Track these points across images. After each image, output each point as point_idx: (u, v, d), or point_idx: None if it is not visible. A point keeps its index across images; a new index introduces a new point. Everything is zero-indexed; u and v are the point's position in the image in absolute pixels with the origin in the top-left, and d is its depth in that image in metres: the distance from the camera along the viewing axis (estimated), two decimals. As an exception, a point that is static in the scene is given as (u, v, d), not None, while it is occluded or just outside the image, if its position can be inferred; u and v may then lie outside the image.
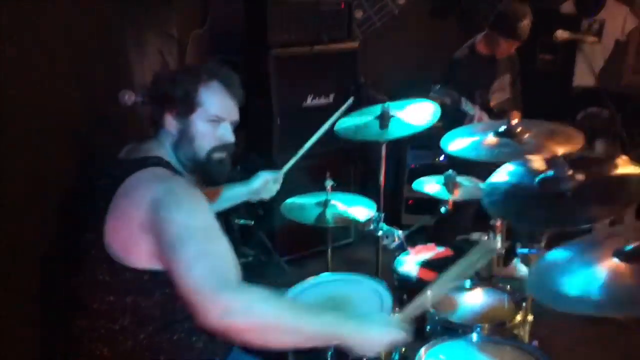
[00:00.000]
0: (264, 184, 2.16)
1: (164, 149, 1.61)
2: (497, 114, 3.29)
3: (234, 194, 2.12)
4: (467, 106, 2.98)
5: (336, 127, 2.66)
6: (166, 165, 1.57)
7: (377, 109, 2.54)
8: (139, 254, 1.43)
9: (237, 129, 1.73)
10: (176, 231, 1.39)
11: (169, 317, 1.48)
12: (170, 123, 1.60)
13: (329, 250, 2.50)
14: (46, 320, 1.68)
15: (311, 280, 2.06)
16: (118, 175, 1.49)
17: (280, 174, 2.22)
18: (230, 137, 1.68)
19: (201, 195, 1.50)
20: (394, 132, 2.46)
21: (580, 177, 1.72)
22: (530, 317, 1.97)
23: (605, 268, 1.19)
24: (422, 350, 1.68)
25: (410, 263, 2.43)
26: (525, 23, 3.03)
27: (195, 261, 1.36)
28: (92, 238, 1.47)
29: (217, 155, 1.64)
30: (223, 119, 1.64)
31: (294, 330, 1.37)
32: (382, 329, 1.46)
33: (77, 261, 1.52)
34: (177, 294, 1.36)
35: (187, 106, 1.59)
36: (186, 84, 1.59)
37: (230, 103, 1.66)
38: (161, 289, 1.45)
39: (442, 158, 3.73)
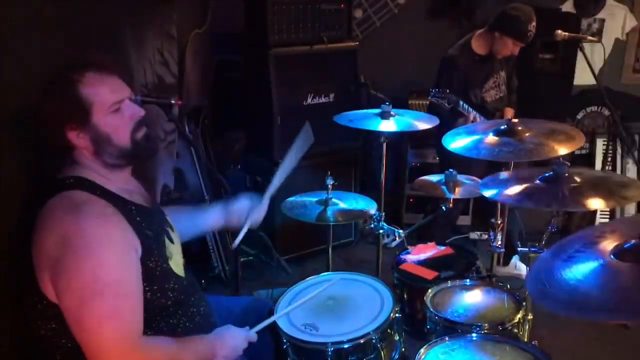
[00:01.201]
0: (243, 208, 1.95)
1: (81, 167, 1.50)
2: (492, 112, 3.30)
3: (205, 219, 1.96)
4: (463, 107, 2.99)
5: (337, 119, 2.67)
6: (86, 185, 1.46)
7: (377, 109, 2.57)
8: (48, 287, 1.38)
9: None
10: (86, 282, 1.33)
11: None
12: (77, 138, 1.47)
13: (330, 249, 2.50)
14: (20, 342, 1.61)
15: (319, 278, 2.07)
16: (38, 199, 1.43)
17: (264, 200, 1.98)
18: (139, 111, 1.55)
19: (116, 233, 1.41)
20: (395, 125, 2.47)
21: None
22: (530, 317, 1.97)
23: (604, 268, 1.18)
24: (422, 349, 1.69)
25: (410, 262, 2.43)
26: (534, 25, 3.06)
27: (106, 320, 1.34)
28: (22, 267, 1.42)
29: (140, 134, 1.54)
30: (120, 100, 1.51)
31: None
32: (228, 336, 1.61)
33: (19, 289, 1.47)
34: None
35: (79, 114, 1.45)
36: (62, 93, 1.45)
37: (114, 81, 1.52)
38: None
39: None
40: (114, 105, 1.49)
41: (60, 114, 1.45)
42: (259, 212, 1.94)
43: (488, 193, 1.87)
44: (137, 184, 1.67)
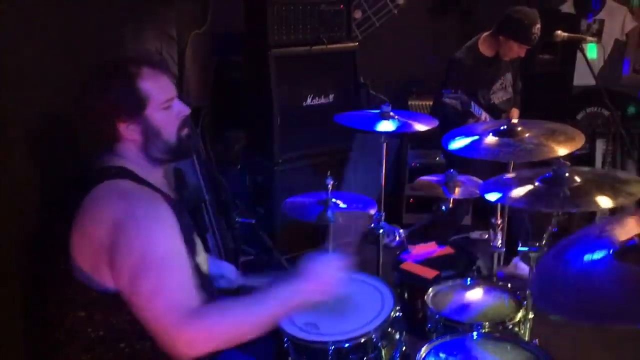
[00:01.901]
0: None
1: (124, 159, 1.53)
2: (500, 113, 3.31)
3: None
4: (474, 108, 3.00)
5: (337, 119, 2.69)
6: (129, 175, 1.49)
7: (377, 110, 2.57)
8: (104, 274, 1.39)
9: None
10: (134, 261, 1.35)
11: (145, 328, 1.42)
12: (126, 130, 1.51)
13: (330, 249, 2.50)
14: (29, 331, 1.63)
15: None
16: (81, 187, 1.45)
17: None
18: (186, 110, 1.60)
19: (164, 212, 1.45)
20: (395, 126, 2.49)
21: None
22: (531, 316, 1.97)
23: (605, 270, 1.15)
24: (423, 348, 1.69)
25: (411, 261, 2.43)
26: (538, 27, 3.07)
27: (154, 295, 1.34)
28: (57, 253, 1.43)
29: (184, 132, 1.59)
30: (172, 98, 1.56)
31: (257, 324, 1.40)
32: (324, 270, 1.50)
33: (47, 277, 1.48)
34: None
35: (135, 107, 1.50)
36: (121, 86, 1.49)
37: (167, 80, 1.58)
38: (127, 308, 1.40)
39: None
40: (167, 102, 1.54)
41: (117, 105, 1.48)
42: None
43: (490, 197, 1.84)
44: (166, 183, 1.70)
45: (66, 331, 1.47)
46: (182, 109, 1.58)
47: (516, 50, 3.19)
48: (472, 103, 2.97)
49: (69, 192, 1.48)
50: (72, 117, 1.60)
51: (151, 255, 1.37)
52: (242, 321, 1.39)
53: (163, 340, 1.32)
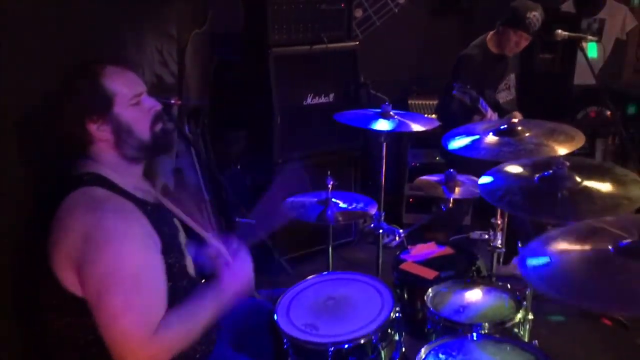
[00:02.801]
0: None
1: (98, 163, 1.52)
2: (504, 113, 3.31)
3: None
4: (482, 105, 3.01)
5: (337, 118, 2.68)
6: (103, 182, 1.48)
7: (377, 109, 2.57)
8: (73, 282, 1.39)
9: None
10: (101, 278, 1.35)
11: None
12: (99, 132, 1.50)
13: (330, 248, 2.50)
14: (21, 336, 1.62)
15: (311, 279, 2.06)
16: (56, 195, 1.44)
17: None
18: (156, 104, 1.60)
19: (136, 223, 1.44)
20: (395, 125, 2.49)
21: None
22: (530, 316, 1.97)
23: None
24: (423, 349, 1.69)
25: (411, 261, 2.43)
26: (534, 15, 3.09)
27: (119, 315, 1.35)
28: (39, 260, 1.43)
29: (158, 127, 1.58)
30: (140, 93, 1.56)
31: (201, 332, 1.49)
32: (237, 275, 1.61)
33: (35, 284, 1.47)
34: None
35: (102, 105, 1.49)
36: (87, 85, 1.50)
37: (132, 76, 1.58)
38: None
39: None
40: (134, 98, 1.54)
41: (83, 105, 1.49)
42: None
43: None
44: (147, 183, 1.69)
45: (56, 335, 1.47)
46: (152, 104, 1.58)
47: (514, 40, 3.19)
48: (481, 99, 2.98)
49: (45, 198, 1.47)
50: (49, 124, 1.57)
51: (119, 272, 1.36)
52: (191, 330, 1.46)
53: (123, 355, 1.35)
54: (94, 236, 1.36)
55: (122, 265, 1.37)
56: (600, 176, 1.69)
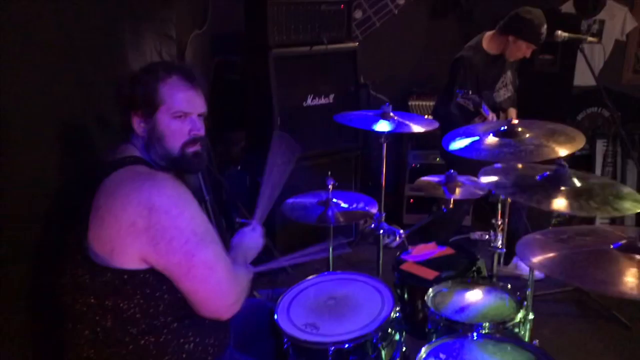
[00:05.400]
0: (242, 237, 1.93)
1: (137, 151, 1.60)
2: (501, 112, 3.32)
3: None
4: (484, 109, 3.01)
5: (337, 119, 2.68)
6: (145, 163, 1.57)
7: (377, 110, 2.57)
8: (125, 255, 1.42)
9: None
10: (187, 239, 1.43)
11: (153, 319, 1.46)
12: (138, 125, 1.60)
13: (330, 249, 2.50)
14: (37, 325, 1.65)
15: (312, 279, 2.06)
16: (97, 177, 1.49)
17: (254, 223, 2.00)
18: (200, 130, 1.65)
19: (187, 191, 1.51)
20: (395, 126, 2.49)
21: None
22: (531, 316, 1.97)
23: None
24: (423, 349, 1.68)
25: (411, 262, 2.43)
26: (545, 27, 3.11)
27: (216, 263, 1.48)
28: (74, 239, 1.46)
29: (191, 150, 1.62)
30: (189, 113, 1.61)
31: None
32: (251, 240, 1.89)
33: (60, 263, 1.51)
34: (159, 296, 1.44)
35: (149, 105, 1.57)
36: (145, 83, 1.58)
37: (192, 95, 1.63)
38: (141, 290, 1.44)
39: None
40: (179, 113, 1.60)
41: (134, 98, 1.58)
42: (256, 234, 1.96)
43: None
44: None
45: (73, 322, 1.48)
46: (196, 128, 1.63)
47: (524, 50, 3.21)
48: (483, 104, 2.98)
49: (86, 181, 1.52)
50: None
51: (199, 229, 1.47)
52: (245, 274, 1.68)
53: (216, 306, 1.51)
54: (160, 206, 1.42)
55: (198, 223, 1.47)
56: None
